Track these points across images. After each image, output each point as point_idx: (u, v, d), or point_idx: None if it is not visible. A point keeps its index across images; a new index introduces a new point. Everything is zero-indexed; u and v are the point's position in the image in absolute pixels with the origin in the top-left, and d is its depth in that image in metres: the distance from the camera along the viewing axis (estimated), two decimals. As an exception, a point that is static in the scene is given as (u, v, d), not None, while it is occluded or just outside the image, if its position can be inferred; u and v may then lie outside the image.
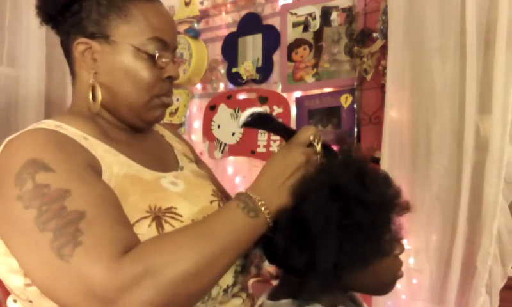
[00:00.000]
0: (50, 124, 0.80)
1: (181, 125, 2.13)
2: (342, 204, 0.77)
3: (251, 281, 1.74)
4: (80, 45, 0.85)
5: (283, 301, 0.87)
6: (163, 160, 0.94)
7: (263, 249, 0.88)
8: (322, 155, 0.84)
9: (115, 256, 0.65)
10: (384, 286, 0.91)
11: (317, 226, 0.76)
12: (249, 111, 0.85)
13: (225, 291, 0.83)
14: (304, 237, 0.78)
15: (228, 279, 0.83)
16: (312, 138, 0.83)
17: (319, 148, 0.83)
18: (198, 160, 1.08)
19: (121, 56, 0.84)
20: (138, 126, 0.91)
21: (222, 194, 0.96)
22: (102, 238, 0.67)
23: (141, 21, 0.85)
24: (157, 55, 0.85)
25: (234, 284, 0.85)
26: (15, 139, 0.77)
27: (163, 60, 0.86)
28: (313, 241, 0.77)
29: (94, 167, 0.77)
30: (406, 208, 0.86)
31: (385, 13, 1.54)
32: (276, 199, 0.78)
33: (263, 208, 0.77)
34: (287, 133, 0.87)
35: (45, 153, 0.73)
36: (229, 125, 1.99)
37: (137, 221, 0.75)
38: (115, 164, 0.80)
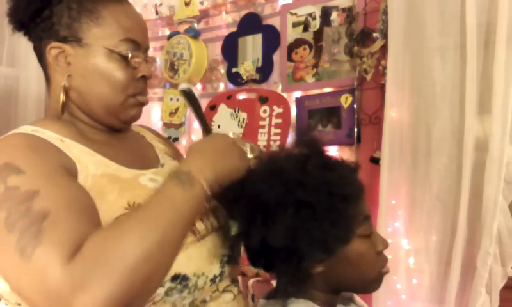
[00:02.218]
0: (27, 129, 0.82)
1: (181, 125, 2.13)
2: (283, 181, 0.81)
3: (251, 281, 1.74)
4: (53, 50, 0.86)
5: (272, 300, 0.89)
6: (143, 158, 0.95)
7: (246, 252, 0.90)
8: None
9: (69, 256, 0.65)
10: (370, 284, 0.90)
11: (263, 195, 0.80)
12: (186, 86, 1.00)
13: (212, 281, 0.83)
14: (260, 213, 0.81)
15: (214, 269, 0.84)
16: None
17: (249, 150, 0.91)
18: (180, 159, 1.08)
19: (95, 58, 0.86)
20: (115, 126, 0.92)
21: None
22: (61, 237, 0.67)
23: (112, 23, 0.87)
24: (129, 55, 0.87)
25: (221, 274, 0.86)
26: None
27: (136, 60, 0.88)
28: (265, 217, 0.80)
29: (68, 169, 0.78)
30: (358, 195, 0.86)
31: (385, 13, 1.54)
32: (210, 168, 0.80)
33: (197, 178, 0.77)
34: (206, 127, 0.99)
35: (18, 156, 0.74)
36: (229, 125, 1.99)
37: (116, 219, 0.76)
38: (91, 164, 0.81)
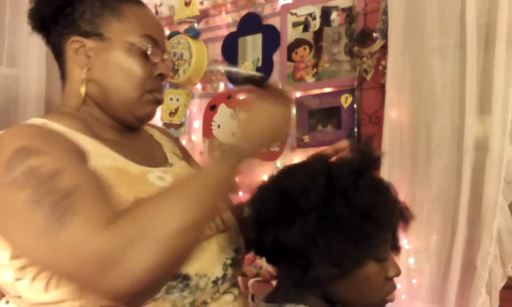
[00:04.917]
0: (36, 121, 0.83)
1: (181, 125, 2.13)
2: (327, 192, 0.78)
3: (251, 281, 1.74)
4: (74, 43, 0.88)
5: (271, 303, 0.88)
6: (151, 157, 0.95)
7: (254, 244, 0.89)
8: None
9: (105, 225, 0.66)
10: (370, 306, 0.88)
11: (299, 200, 0.77)
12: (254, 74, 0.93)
13: (214, 283, 0.83)
14: (283, 212, 0.79)
15: (217, 271, 0.84)
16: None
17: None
18: (188, 158, 1.08)
19: (115, 51, 0.87)
20: (130, 123, 0.92)
21: None
22: (95, 207, 0.69)
23: (133, 20, 0.89)
24: (149, 51, 0.88)
25: (224, 277, 0.85)
26: (2, 134, 0.79)
27: (154, 57, 0.90)
28: (288, 216, 0.78)
29: (80, 155, 0.79)
30: (394, 225, 0.84)
31: (385, 13, 1.54)
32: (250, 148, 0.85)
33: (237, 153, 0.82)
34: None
35: (33, 141, 0.75)
36: (229, 125, 1.99)
37: None
38: (100, 156, 0.82)
